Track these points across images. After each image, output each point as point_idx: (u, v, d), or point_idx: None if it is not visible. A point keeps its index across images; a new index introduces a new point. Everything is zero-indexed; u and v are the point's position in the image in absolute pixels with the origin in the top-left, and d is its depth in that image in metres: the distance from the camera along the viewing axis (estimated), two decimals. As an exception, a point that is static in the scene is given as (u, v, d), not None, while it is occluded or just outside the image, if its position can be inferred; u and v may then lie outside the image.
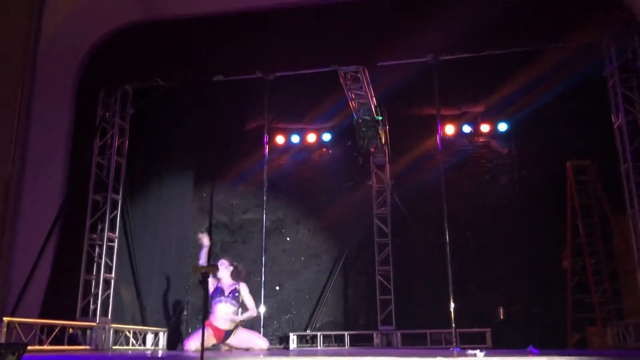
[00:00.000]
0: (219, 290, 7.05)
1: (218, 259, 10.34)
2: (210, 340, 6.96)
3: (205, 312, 6.11)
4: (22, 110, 7.55)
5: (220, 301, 6.98)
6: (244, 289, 7.24)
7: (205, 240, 7.12)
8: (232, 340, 7.10)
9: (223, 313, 7.01)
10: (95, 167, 7.93)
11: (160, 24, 7.83)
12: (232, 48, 7.74)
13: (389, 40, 7.44)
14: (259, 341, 7.15)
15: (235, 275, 7.22)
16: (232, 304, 7.07)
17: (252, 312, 7.20)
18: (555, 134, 9.39)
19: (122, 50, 7.94)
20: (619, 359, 4.29)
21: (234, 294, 7.10)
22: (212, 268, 5.68)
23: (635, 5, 6.71)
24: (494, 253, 9.49)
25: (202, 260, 7.11)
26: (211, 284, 6.93)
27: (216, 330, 6.99)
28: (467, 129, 10.18)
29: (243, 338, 7.17)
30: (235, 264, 7.38)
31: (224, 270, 7.10)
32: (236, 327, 7.15)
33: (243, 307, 7.19)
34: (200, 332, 5.54)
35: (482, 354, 4.46)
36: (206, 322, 6.91)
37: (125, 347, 7.65)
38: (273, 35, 7.64)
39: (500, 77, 8.80)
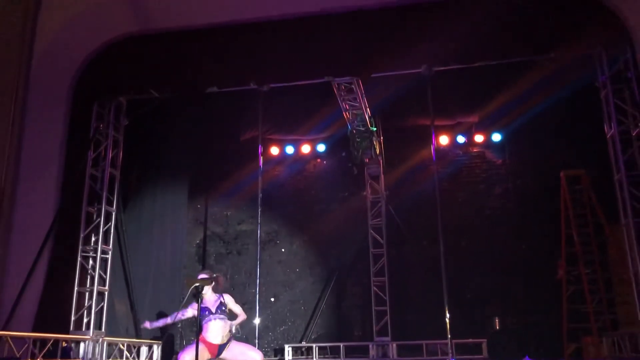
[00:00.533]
0: (206, 310, 6.97)
1: (213, 271, 10.33)
2: (205, 355, 6.89)
3: (199, 325, 6.04)
4: (15, 122, 7.54)
5: (211, 319, 6.89)
6: (228, 299, 7.17)
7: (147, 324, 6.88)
8: (226, 354, 7.03)
9: (215, 330, 6.96)
10: (89, 178, 7.89)
11: (154, 36, 7.85)
12: (226, 59, 7.76)
13: (383, 51, 7.48)
14: (252, 354, 7.06)
15: (216, 288, 7.13)
16: (221, 318, 7.02)
17: (242, 316, 7.18)
18: (549, 143, 9.43)
19: (116, 62, 7.96)
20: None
21: (222, 308, 7.03)
22: (206, 282, 5.63)
23: (627, 16, 6.78)
24: (489, 263, 9.49)
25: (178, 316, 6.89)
26: (194, 308, 6.81)
27: (210, 345, 6.93)
28: (461, 139, 10.21)
29: (237, 351, 7.08)
30: (214, 275, 7.31)
31: (209, 292, 7.01)
32: (229, 340, 7.09)
33: (231, 317, 7.13)
34: (194, 345, 5.48)
35: (478, 365, 4.44)
36: (201, 339, 6.84)
37: (119, 361, 7.59)
38: (267, 47, 7.66)
39: (494, 88, 8.84)
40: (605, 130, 7.23)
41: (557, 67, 7.86)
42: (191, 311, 6.70)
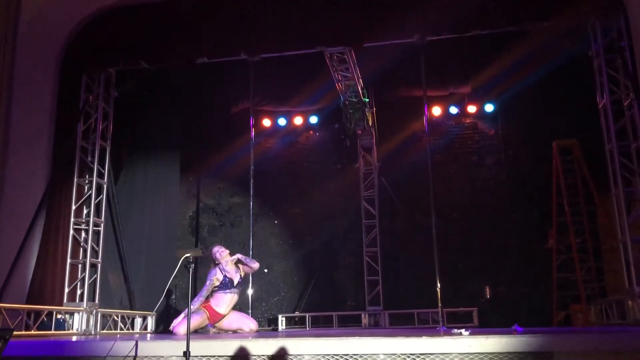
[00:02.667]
0: (229, 282, 7.17)
1: (206, 243, 10.36)
2: (203, 322, 7.05)
3: (191, 296, 6.10)
4: (3, 94, 7.44)
5: (229, 292, 7.14)
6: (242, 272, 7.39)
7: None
8: (222, 323, 7.15)
9: (228, 302, 7.19)
10: (79, 150, 7.83)
11: (144, 6, 7.72)
12: (216, 29, 7.63)
13: (375, 20, 7.38)
14: (248, 322, 7.22)
15: (234, 264, 7.28)
16: (237, 293, 7.34)
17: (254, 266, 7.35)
18: (542, 114, 9.42)
19: (104, 32, 7.83)
20: (601, 335, 4.35)
21: (241, 282, 7.29)
22: (197, 251, 5.68)
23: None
24: (480, 233, 9.57)
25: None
26: (219, 277, 6.99)
27: (215, 314, 7.12)
28: (454, 110, 10.19)
29: (233, 318, 7.24)
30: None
31: (230, 262, 7.20)
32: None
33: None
34: (192, 315, 5.59)
35: (467, 332, 4.50)
36: (206, 306, 6.99)
37: (113, 332, 7.64)
38: (258, 16, 7.55)
39: (487, 58, 8.80)
40: (598, 100, 7.21)
41: (550, 37, 7.80)
42: (209, 285, 6.88)
